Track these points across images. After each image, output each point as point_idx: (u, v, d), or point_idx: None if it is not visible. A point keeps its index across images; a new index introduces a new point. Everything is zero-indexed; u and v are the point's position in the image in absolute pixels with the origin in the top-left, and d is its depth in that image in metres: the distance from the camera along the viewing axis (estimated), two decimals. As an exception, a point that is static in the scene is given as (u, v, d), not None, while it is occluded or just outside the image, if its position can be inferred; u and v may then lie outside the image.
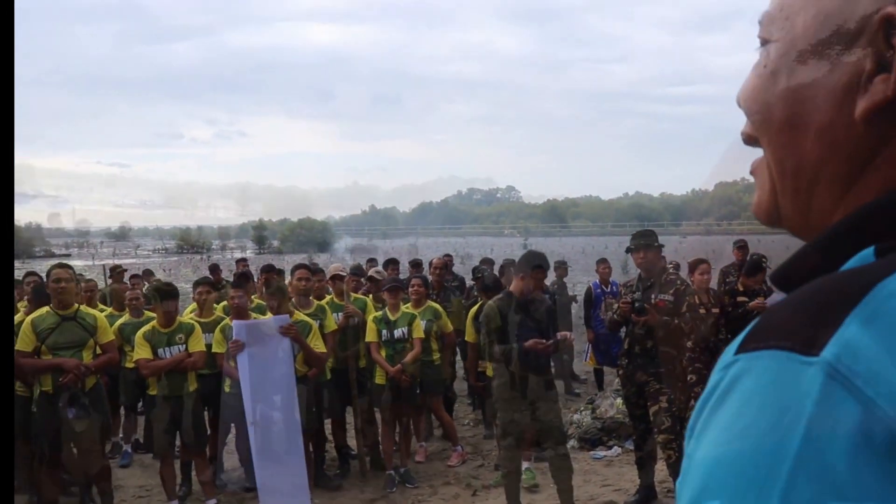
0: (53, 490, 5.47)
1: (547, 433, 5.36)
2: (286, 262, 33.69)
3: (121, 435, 7.51)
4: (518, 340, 5.18)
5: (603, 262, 9.51)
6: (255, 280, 11.10)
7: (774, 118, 0.59)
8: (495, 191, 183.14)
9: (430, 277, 8.42)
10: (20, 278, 7.98)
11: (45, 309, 5.56)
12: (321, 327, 6.42)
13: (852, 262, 0.50)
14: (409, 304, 6.84)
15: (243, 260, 12.10)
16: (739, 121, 0.65)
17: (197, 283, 6.75)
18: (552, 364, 6.16)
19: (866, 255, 0.50)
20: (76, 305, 5.64)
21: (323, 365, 6.23)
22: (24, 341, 5.35)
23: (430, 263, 11.04)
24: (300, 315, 6.12)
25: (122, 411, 7.48)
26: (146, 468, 6.85)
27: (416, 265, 9.51)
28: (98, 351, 5.58)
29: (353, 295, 6.99)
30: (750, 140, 0.64)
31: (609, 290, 9.10)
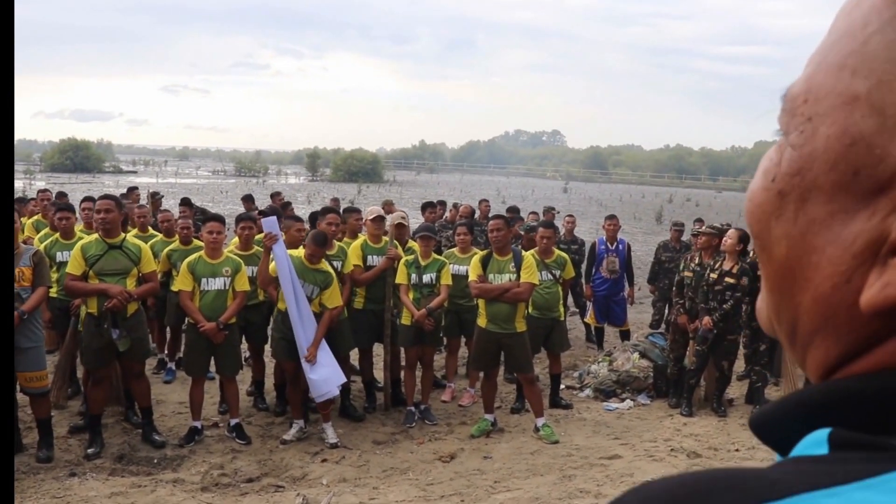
0: (99, 403, 5.60)
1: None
2: (336, 191, 33.85)
3: (165, 352, 7.65)
4: None
5: (611, 218, 8.97)
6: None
7: (774, 256, 0.44)
8: (541, 134, 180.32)
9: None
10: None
11: (95, 236, 5.60)
12: (341, 266, 6.35)
13: (804, 444, 0.39)
14: (455, 249, 6.93)
15: (278, 194, 11.95)
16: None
17: (239, 219, 6.70)
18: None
19: (818, 440, 0.38)
20: (122, 235, 5.66)
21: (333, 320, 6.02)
22: (73, 265, 5.42)
23: (456, 207, 10.90)
24: (324, 265, 5.98)
25: (168, 331, 7.61)
26: (187, 385, 6.98)
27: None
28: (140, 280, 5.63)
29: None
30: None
31: (614, 247, 8.81)
